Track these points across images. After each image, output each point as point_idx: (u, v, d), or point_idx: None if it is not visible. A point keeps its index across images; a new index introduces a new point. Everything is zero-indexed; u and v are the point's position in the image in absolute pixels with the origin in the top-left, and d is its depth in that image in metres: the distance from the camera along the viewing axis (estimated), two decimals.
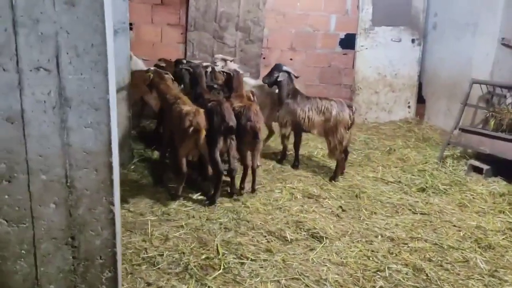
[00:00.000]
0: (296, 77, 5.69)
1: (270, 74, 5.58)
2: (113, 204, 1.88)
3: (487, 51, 6.75)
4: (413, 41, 8.62)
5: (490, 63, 6.70)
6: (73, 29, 1.69)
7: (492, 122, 6.43)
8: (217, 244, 3.55)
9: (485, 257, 3.75)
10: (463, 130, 6.39)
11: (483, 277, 3.43)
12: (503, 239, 4.13)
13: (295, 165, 5.67)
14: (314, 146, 6.77)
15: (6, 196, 1.79)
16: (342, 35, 8.33)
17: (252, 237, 3.72)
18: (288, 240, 3.72)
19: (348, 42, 8.37)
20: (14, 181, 1.79)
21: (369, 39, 8.40)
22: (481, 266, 3.59)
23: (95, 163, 1.82)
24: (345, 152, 5.54)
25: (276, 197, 4.63)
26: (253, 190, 4.69)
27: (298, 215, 4.22)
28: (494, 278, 3.43)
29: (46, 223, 1.84)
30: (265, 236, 3.77)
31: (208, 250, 3.48)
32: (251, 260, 3.37)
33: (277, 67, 5.61)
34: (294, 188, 4.92)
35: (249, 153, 4.62)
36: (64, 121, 1.77)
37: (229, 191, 4.60)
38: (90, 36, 1.71)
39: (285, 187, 4.95)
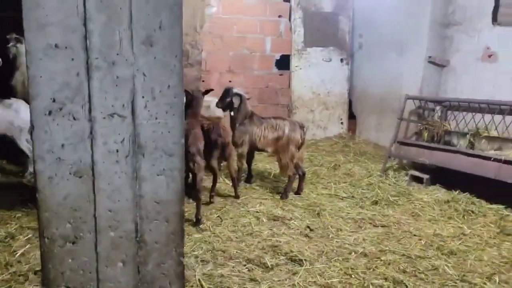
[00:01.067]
0: (248, 99, 5.73)
1: (222, 98, 5.58)
2: (182, 256, 1.69)
3: (415, 69, 7.31)
4: (341, 60, 9.08)
5: (419, 80, 7.26)
6: (151, 71, 1.49)
7: (425, 134, 6.94)
8: (199, 279, 3.38)
9: (450, 263, 3.95)
10: (401, 143, 6.80)
11: (456, 282, 3.61)
12: (460, 244, 4.41)
13: (249, 180, 5.94)
14: (263, 167, 6.80)
15: (70, 260, 1.50)
16: (277, 56, 8.54)
17: (233, 267, 3.59)
18: (268, 267, 3.64)
19: (283, 63, 8.60)
20: (79, 241, 1.52)
21: (303, 60, 8.70)
22: (450, 272, 3.78)
23: (166, 213, 1.62)
24: (302, 172, 5.67)
25: (244, 223, 4.55)
26: (236, 196, 5.29)
27: (271, 239, 4.17)
28: (464, 282, 3.63)
29: (114, 285, 1.59)
30: (245, 265, 3.66)
31: (192, 286, 3.30)
32: None
33: (228, 92, 5.62)
34: (258, 212, 4.88)
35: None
36: (136, 171, 1.55)
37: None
38: (167, 77, 1.52)
39: (248, 211, 4.89)
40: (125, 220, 1.58)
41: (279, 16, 8.42)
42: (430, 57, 7.14)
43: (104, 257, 1.57)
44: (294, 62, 8.65)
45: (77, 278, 1.53)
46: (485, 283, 3.61)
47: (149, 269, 1.63)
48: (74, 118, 1.42)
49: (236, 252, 3.86)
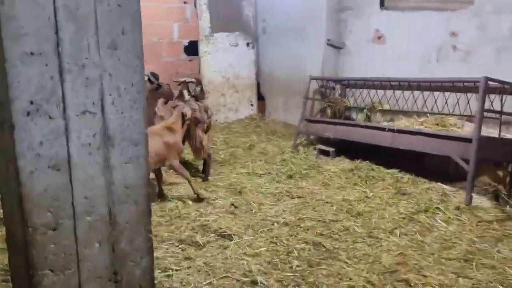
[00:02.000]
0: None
1: None
2: (151, 232, 1.84)
3: (316, 51, 7.88)
4: (247, 45, 9.39)
5: (320, 62, 7.85)
6: (116, 71, 1.61)
7: (329, 111, 7.57)
8: None
9: (358, 223, 4.51)
10: (308, 120, 7.35)
11: (364, 239, 4.16)
12: (365, 206, 5.01)
13: None
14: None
15: (52, 245, 1.61)
16: (185, 42, 8.62)
17: (167, 249, 3.77)
18: (201, 245, 3.88)
19: (192, 49, 8.70)
20: (60, 228, 1.61)
21: (211, 45, 8.87)
22: (359, 231, 4.33)
23: (135, 196, 1.76)
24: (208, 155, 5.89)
25: (171, 207, 4.71)
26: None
27: (199, 219, 4.40)
28: (371, 238, 4.19)
29: (92, 263, 1.70)
30: (178, 246, 3.85)
31: None
32: (176, 270, 3.45)
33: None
34: (183, 195, 5.07)
35: None
36: (107, 160, 1.66)
37: None
38: (130, 76, 1.65)
39: (174, 196, 5.05)
40: (99, 205, 1.72)
41: (185, 2, 8.49)
42: (328, 40, 7.75)
43: (83, 240, 1.71)
44: (202, 47, 8.78)
45: (59, 261, 1.65)
46: (388, 237, 4.20)
47: (122, 247, 1.80)
48: (50, 117, 1.53)
49: (168, 235, 4.03)
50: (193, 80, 6.42)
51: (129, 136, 1.72)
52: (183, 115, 5.08)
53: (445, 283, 3.39)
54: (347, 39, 7.92)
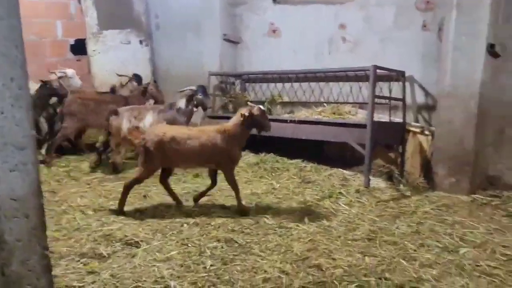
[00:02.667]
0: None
1: None
2: (47, 249, 1.53)
3: (213, 47, 7.78)
4: (141, 42, 9.01)
5: (218, 57, 7.77)
6: None
7: (230, 106, 7.54)
8: None
9: (268, 215, 4.53)
10: (210, 117, 7.25)
11: (275, 230, 4.17)
12: (273, 197, 5.07)
13: None
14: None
15: None
16: (71, 41, 8.01)
17: (67, 266, 3.41)
18: (105, 256, 3.58)
19: (79, 48, 8.12)
20: None
21: (100, 43, 8.35)
22: (269, 222, 4.34)
23: (25, 209, 1.44)
24: None
25: (68, 219, 4.31)
26: None
27: (101, 229, 4.07)
28: (282, 228, 4.22)
29: None
30: (79, 260, 3.51)
31: None
32: (79, 287, 3.14)
33: None
34: (78, 206, 4.68)
35: None
36: None
37: None
38: (9, 69, 1.32)
39: (70, 206, 4.65)
40: None
41: None
42: (225, 35, 7.70)
43: None
44: (91, 46, 8.24)
45: None
46: (298, 226, 4.26)
47: (14, 269, 1.52)
48: None
49: (67, 249, 3.66)
50: (193, 88, 6.12)
51: (12, 140, 1.45)
52: (246, 117, 4.42)
53: (353, 263, 3.50)
54: (244, 33, 7.95)
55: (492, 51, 4.93)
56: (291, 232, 4.14)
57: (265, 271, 3.36)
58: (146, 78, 9.07)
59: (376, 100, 5.55)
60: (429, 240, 4.01)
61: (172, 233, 4.02)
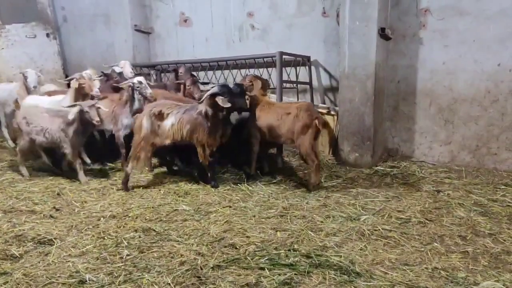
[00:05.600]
0: None
1: None
2: None
3: (125, 38, 7.66)
4: (48, 35, 8.64)
5: (130, 48, 7.66)
6: None
7: None
8: None
9: (186, 202, 4.66)
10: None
11: (193, 215, 4.31)
12: (192, 184, 5.20)
13: None
14: None
15: None
16: None
17: None
18: (17, 256, 3.52)
19: None
20: None
21: (3, 39, 7.90)
22: (187, 209, 4.47)
23: None
24: None
25: None
26: None
27: (12, 230, 3.97)
28: (200, 213, 4.37)
29: None
30: None
31: None
32: None
33: None
34: None
35: None
36: None
37: None
38: None
39: None
40: None
41: None
42: (135, 25, 7.60)
43: None
44: None
45: None
46: (216, 210, 4.43)
47: None
48: None
49: None
50: (215, 90, 4.99)
51: None
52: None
53: (265, 238, 3.74)
54: (155, 23, 7.89)
55: (383, 34, 5.37)
56: (208, 216, 4.30)
57: (182, 255, 3.49)
58: (57, 73, 8.75)
59: (285, 84, 5.83)
60: (334, 212, 4.35)
61: (88, 228, 4.03)
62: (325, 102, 6.59)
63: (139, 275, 3.14)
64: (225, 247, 3.64)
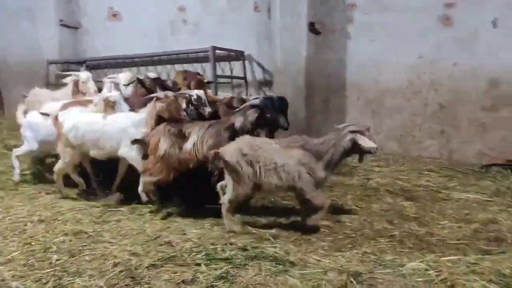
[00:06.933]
0: None
1: None
2: None
3: (50, 33, 7.29)
4: None
5: (56, 44, 7.31)
6: None
7: None
8: None
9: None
10: None
11: (128, 216, 4.23)
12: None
13: None
14: None
15: None
16: None
17: None
18: None
19: None
20: None
21: None
22: (122, 209, 4.38)
23: None
24: None
25: None
26: None
27: None
28: (135, 213, 4.29)
29: None
30: None
31: None
32: None
33: None
34: None
35: None
36: None
37: None
38: None
39: None
40: None
41: None
42: (61, 20, 7.27)
43: None
44: None
45: None
46: (151, 208, 4.35)
47: None
48: None
49: None
50: (256, 102, 4.32)
51: None
52: None
53: (203, 235, 3.74)
54: (82, 18, 7.60)
55: (313, 28, 5.52)
56: (144, 216, 4.23)
57: (115, 256, 3.40)
58: None
59: (219, 79, 5.83)
60: (270, 204, 4.44)
61: (14, 234, 3.82)
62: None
63: (69, 280, 3.02)
64: (160, 245, 3.59)
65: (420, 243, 3.56)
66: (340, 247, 3.47)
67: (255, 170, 3.68)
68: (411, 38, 5.57)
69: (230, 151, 3.73)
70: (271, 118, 4.12)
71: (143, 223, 4.02)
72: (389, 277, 2.89)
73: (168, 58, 6.58)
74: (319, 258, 3.26)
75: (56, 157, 4.93)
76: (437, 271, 2.92)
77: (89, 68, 7.49)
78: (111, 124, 4.44)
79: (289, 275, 3.00)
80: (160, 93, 4.47)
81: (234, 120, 4.13)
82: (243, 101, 4.70)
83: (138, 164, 4.37)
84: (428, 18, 5.46)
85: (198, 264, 3.18)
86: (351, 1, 5.77)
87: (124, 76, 5.29)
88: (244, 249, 3.43)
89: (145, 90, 4.95)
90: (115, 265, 3.27)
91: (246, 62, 6.40)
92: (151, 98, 4.40)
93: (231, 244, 3.54)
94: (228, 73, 6.19)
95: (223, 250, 3.42)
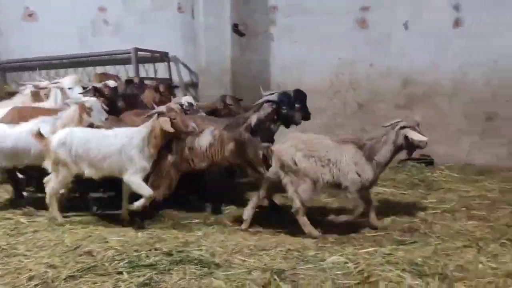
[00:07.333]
0: None
1: None
2: None
3: None
4: None
5: None
6: None
7: None
8: None
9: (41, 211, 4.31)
10: None
11: (47, 228, 4.01)
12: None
13: None
14: None
15: None
16: None
17: None
18: None
19: None
20: None
21: None
22: (39, 220, 4.16)
23: None
24: None
25: None
26: None
27: None
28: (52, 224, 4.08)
29: None
30: None
31: None
32: None
33: None
34: None
35: None
36: None
37: None
38: None
39: None
40: None
41: None
42: None
43: None
44: None
45: None
46: (71, 218, 4.16)
47: None
48: None
49: None
50: (274, 98, 4.22)
51: None
52: None
53: (126, 242, 3.63)
54: None
55: (236, 30, 5.57)
56: (64, 225, 4.04)
57: (31, 270, 3.21)
58: None
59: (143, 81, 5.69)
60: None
61: None
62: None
63: None
64: (80, 255, 3.43)
65: (340, 238, 3.70)
66: (265, 246, 3.52)
67: (311, 166, 3.64)
68: (330, 40, 5.79)
69: (285, 149, 3.68)
70: (286, 113, 4.08)
71: (62, 233, 3.83)
72: (310, 272, 2.98)
73: (89, 60, 6.33)
74: (244, 258, 3.28)
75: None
76: (355, 263, 3.05)
77: (4, 71, 7.03)
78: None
79: (214, 277, 3.00)
80: (161, 107, 4.01)
81: (250, 119, 4.07)
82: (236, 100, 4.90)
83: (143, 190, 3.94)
84: (346, 21, 5.71)
85: (120, 273, 3.09)
86: (273, 3, 5.89)
87: (68, 79, 4.94)
88: (169, 254, 3.38)
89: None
90: (30, 278, 3.09)
91: (172, 63, 6.32)
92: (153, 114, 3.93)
93: (155, 249, 3.48)
94: (152, 74, 6.06)
95: (147, 257, 3.35)
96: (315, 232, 3.69)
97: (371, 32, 5.74)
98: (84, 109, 4.21)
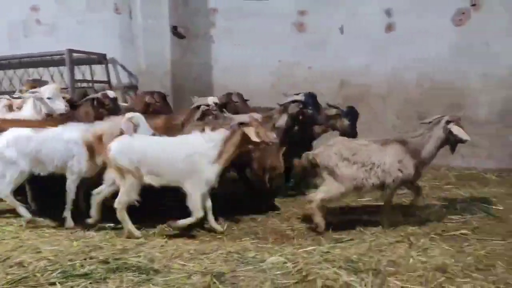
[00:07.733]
0: None
1: None
2: None
3: None
4: None
5: None
6: None
7: None
8: None
9: None
10: None
11: None
12: None
13: None
14: None
15: None
16: None
17: None
18: None
19: None
20: None
21: None
22: None
23: None
24: None
25: None
26: None
27: None
28: None
29: None
30: None
31: None
32: None
33: None
34: None
35: None
36: None
37: None
38: None
39: None
40: None
41: None
42: None
43: None
44: None
45: None
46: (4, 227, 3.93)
47: None
48: None
49: None
50: (300, 98, 4.20)
51: None
52: None
53: (60, 251, 3.48)
54: None
55: (176, 32, 5.51)
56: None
57: None
58: None
59: (80, 84, 5.51)
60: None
61: None
62: (127, 101, 6.47)
63: None
64: (11, 267, 3.26)
65: (281, 238, 3.76)
66: (205, 250, 3.50)
67: (355, 172, 3.71)
68: (270, 43, 5.86)
69: (328, 154, 3.74)
70: (311, 114, 4.17)
71: None
72: (250, 274, 3.00)
73: (20, 62, 6.02)
74: (184, 263, 3.25)
75: None
76: (294, 263, 3.10)
77: None
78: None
79: (152, 284, 2.94)
80: (243, 116, 3.79)
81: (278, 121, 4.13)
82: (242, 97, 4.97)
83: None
84: (284, 24, 5.81)
85: (53, 283, 2.96)
86: (213, 5, 5.88)
87: (48, 89, 4.55)
88: (105, 262, 3.28)
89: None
90: None
91: (110, 65, 6.14)
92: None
93: (91, 258, 3.36)
94: (89, 77, 5.86)
95: (82, 266, 3.23)
96: (323, 225, 3.81)
97: (309, 35, 5.89)
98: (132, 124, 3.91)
